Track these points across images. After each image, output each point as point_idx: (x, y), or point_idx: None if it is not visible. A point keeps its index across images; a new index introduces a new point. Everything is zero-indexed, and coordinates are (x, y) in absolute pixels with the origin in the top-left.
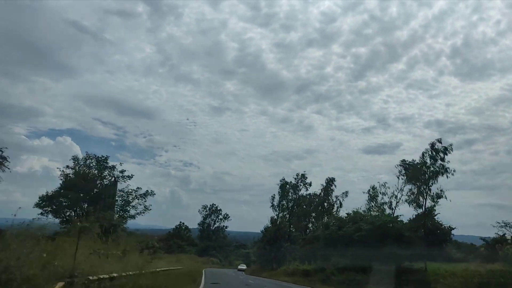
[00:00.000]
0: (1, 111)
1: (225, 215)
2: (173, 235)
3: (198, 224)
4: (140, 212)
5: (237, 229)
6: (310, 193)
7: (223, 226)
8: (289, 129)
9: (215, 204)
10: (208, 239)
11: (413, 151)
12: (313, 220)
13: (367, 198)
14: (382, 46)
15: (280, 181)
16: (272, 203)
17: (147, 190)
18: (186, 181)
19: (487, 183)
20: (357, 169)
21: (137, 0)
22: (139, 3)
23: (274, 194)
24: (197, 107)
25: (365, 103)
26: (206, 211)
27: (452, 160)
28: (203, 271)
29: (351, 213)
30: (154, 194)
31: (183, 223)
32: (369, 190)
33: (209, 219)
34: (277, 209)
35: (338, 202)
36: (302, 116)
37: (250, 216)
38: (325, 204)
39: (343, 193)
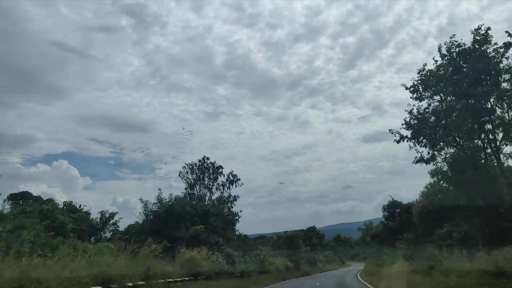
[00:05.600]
0: None
1: (230, 177)
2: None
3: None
4: None
5: (247, 232)
6: None
7: (232, 196)
8: (286, 127)
9: (208, 158)
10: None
11: None
12: None
13: None
14: (370, 34)
15: None
16: None
17: None
18: None
19: None
20: (357, 159)
21: (119, 14)
22: (122, 16)
23: None
24: (191, 115)
25: (359, 92)
26: (191, 173)
27: None
28: None
29: None
30: None
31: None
32: None
33: (200, 185)
34: None
35: None
36: (297, 112)
37: (257, 219)
38: None
39: None
